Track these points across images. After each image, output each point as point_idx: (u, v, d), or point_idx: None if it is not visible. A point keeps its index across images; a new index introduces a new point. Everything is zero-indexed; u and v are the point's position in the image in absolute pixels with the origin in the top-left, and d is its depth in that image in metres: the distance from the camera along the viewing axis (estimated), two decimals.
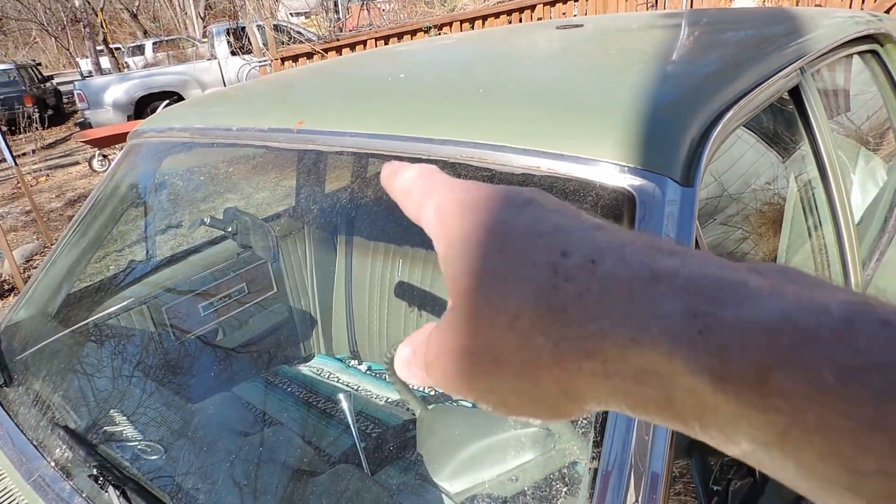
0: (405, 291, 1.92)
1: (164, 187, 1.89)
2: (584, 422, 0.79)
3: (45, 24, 23.47)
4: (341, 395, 1.15)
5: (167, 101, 9.38)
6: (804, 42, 1.43)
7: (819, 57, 1.47)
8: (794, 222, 1.44)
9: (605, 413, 0.73)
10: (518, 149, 0.92)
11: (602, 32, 1.54)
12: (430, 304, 1.86)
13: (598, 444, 0.72)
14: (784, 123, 1.44)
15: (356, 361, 2.05)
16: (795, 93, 1.32)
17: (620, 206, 0.85)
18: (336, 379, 1.92)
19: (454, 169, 0.99)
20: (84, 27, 16.02)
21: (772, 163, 1.48)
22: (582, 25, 1.65)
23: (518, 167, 0.91)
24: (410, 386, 1.83)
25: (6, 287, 4.85)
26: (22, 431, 1.19)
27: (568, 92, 1.07)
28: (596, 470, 0.71)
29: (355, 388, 1.87)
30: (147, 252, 1.98)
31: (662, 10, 6.02)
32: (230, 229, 1.55)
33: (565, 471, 0.92)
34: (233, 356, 2.01)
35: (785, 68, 1.22)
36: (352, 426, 1.13)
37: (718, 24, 1.61)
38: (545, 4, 7.62)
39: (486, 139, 0.96)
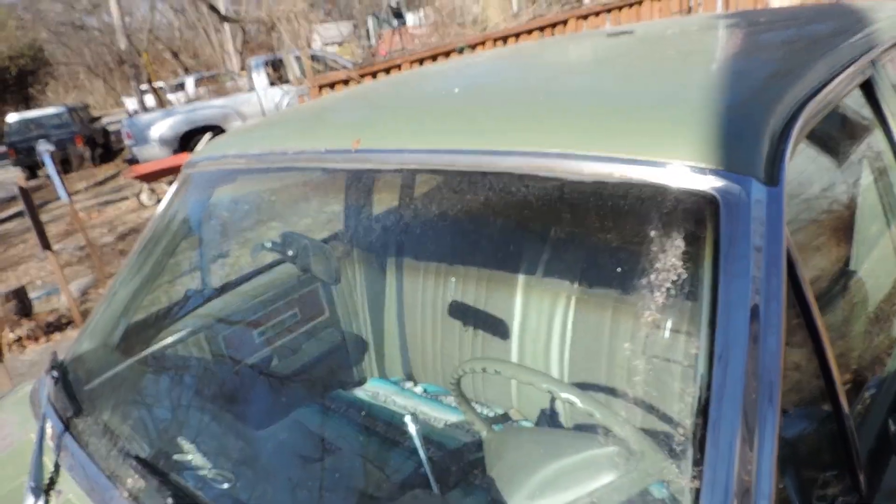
0: (459, 311, 1.89)
1: (217, 216, 1.91)
2: (680, 437, 0.75)
3: (93, 67, 24.46)
4: (407, 418, 1.12)
5: (210, 134, 9.62)
6: (870, 35, 1.37)
7: (887, 49, 1.41)
8: (869, 218, 1.37)
9: (704, 428, 0.69)
10: (588, 156, 0.89)
11: (656, 37, 1.50)
12: (485, 323, 1.83)
13: (698, 461, 0.68)
14: (854, 118, 1.38)
15: (411, 383, 2.02)
16: (867, 86, 1.26)
17: (702, 211, 0.81)
18: (392, 402, 1.90)
19: (521, 181, 0.97)
20: (129, 68, 16.64)
21: (843, 158, 1.42)
22: (633, 32, 1.61)
23: (589, 175, 0.88)
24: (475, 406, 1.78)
25: (63, 321, 4.99)
26: (94, 461, 1.19)
27: (634, 94, 1.04)
28: (698, 490, 0.66)
29: (412, 410, 1.84)
30: (203, 281, 2.00)
31: (708, 13, 5.93)
32: (290, 253, 1.56)
33: (652, 493, 0.87)
34: (288, 383, 2.01)
35: (857, 61, 1.17)
36: (420, 450, 1.10)
37: (776, 21, 1.56)
38: (578, 18, 7.60)
39: (552, 147, 0.93)
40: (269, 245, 1.54)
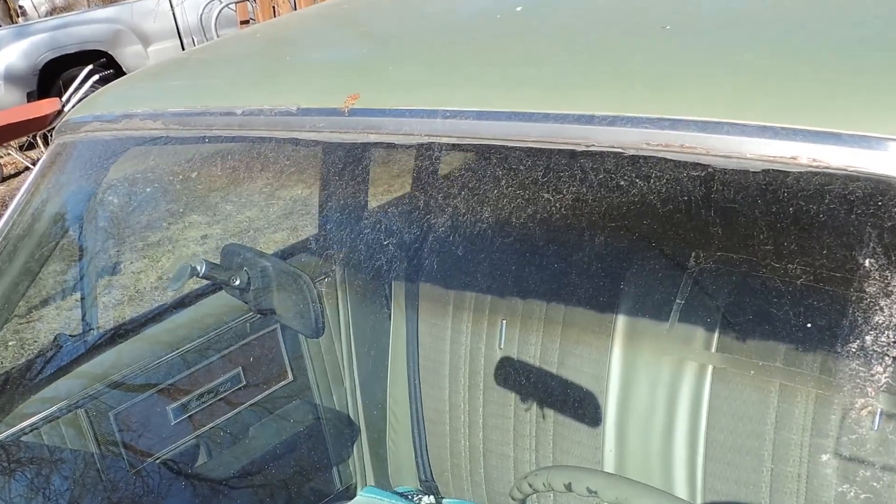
0: (515, 375, 1.89)
1: (110, 210, 1.93)
2: None
3: None
4: None
5: (90, 68, 9.70)
6: None
7: None
8: None
9: None
10: (754, 127, 0.88)
11: None
12: (559, 396, 1.82)
13: None
14: None
15: (431, 498, 2.02)
16: None
17: None
18: None
19: (636, 165, 0.96)
20: None
21: None
22: None
23: (756, 158, 0.87)
24: None
25: None
26: None
27: (825, 20, 1.04)
28: None
29: None
30: (85, 320, 2.02)
31: None
32: (237, 281, 1.55)
33: None
34: (226, 492, 2.01)
35: None
36: None
37: None
38: None
39: (689, 112, 0.92)
40: (202, 270, 1.54)
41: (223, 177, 1.81)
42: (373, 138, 1.18)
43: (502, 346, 1.89)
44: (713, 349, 1.55)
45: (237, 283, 1.55)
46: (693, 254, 1.53)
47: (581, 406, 1.74)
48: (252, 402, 2.10)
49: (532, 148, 1.04)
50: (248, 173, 1.78)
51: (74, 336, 2.04)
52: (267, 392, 2.12)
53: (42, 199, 1.72)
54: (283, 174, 2.49)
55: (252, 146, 1.52)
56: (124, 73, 10.52)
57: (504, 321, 1.88)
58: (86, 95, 9.38)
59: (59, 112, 8.47)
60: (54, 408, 1.85)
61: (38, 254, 1.74)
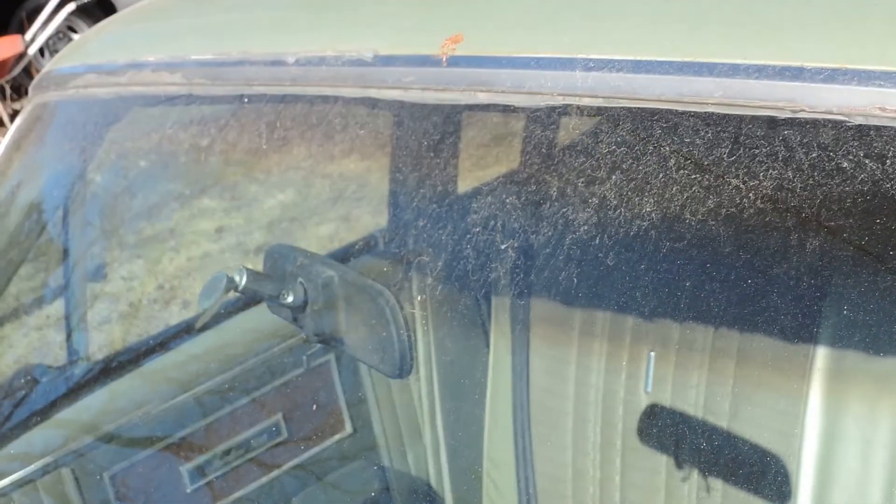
0: (667, 429, 1.88)
1: (106, 191, 1.96)
2: None
3: None
4: None
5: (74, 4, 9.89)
6: None
7: None
8: None
9: None
10: None
11: None
12: (730, 459, 1.81)
13: None
14: None
15: None
16: None
17: None
18: None
19: (864, 139, 0.95)
20: None
21: None
22: None
23: None
24: None
25: None
26: None
27: None
28: None
29: None
30: (70, 346, 2.05)
31: None
32: (289, 297, 1.55)
33: None
34: None
35: None
36: None
37: None
38: None
39: None
40: (240, 278, 1.54)
41: (246, 148, 1.82)
42: (481, 98, 1.18)
43: (649, 390, 1.88)
44: None
45: (289, 299, 1.55)
46: None
47: (763, 474, 1.72)
48: (296, 462, 2.12)
49: (712, 113, 1.04)
50: (284, 143, 1.79)
51: (56, 369, 2.06)
52: (316, 449, 2.13)
53: (14, 182, 1.75)
54: (333, 144, 2.54)
55: (297, 107, 1.53)
56: (110, 2, 10.74)
57: (652, 353, 1.87)
58: (58, 32, 9.59)
59: (22, 55, 8.62)
60: (31, 467, 1.88)
61: (8, 257, 1.76)
